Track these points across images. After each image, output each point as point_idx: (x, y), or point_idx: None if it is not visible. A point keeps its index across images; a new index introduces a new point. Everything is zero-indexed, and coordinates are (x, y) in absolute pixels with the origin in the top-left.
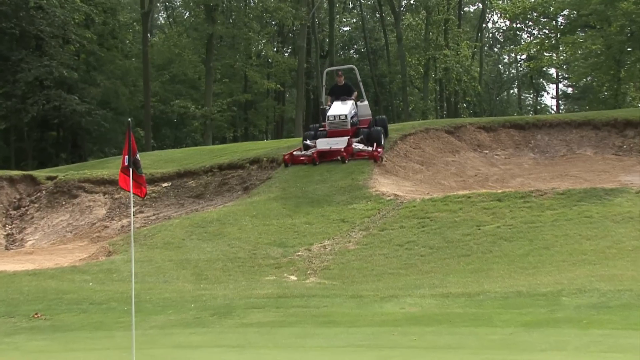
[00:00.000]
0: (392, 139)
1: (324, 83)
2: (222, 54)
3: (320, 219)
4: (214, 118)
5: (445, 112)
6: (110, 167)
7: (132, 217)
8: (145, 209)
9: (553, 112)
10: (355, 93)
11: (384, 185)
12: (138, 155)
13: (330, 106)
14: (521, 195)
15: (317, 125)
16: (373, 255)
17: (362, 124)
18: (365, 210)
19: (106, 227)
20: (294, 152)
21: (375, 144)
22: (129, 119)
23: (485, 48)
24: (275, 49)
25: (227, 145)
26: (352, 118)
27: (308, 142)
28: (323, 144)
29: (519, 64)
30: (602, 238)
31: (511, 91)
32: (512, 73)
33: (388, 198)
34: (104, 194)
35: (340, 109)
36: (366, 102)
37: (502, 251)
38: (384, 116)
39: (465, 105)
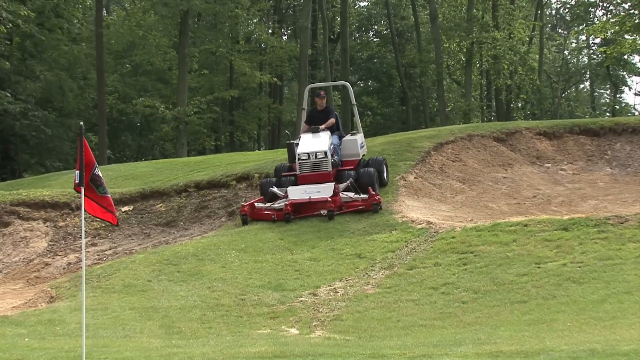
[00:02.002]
0: (424, 150)
1: (305, 105)
2: (201, 37)
3: (330, 254)
4: (189, 121)
5: (494, 114)
6: (53, 186)
7: (83, 251)
8: (99, 241)
9: (637, 113)
10: (331, 121)
11: (414, 209)
12: (98, 170)
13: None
14: (595, 222)
15: (286, 165)
16: (399, 301)
17: (347, 165)
18: (389, 242)
19: (47, 264)
20: (256, 204)
21: (370, 189)
22: (80, 123)
23: (547, 29)
24: (270, 31)
25: (207, 157)
26: (332, 156)
27: (275, 189)
28: (298, 192)
29: (591, 51)
30: None
31: (581, 86)
32: (583, 62)
33: (419, 226)
34: (45, 221)
35: (314, 143)
36: (357, 137)
37: (570, 296)
38: (382, 157)
39: (520, 104)
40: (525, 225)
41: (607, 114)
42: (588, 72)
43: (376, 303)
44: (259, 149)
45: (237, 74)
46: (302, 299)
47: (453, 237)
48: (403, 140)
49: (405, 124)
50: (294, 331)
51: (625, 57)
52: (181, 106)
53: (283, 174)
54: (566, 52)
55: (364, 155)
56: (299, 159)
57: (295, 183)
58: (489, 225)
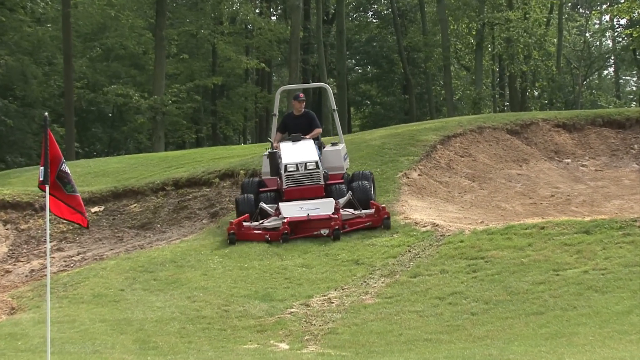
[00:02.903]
0: (429, 143)
1: (276, 110)
2: (180, 17)
3: (324, 260)
4: (167, 111)
5: (507, 104)
6: (14, 184)
7: (48, 256)
8: (65, 246)
9: None
10: (318, 130)
11: (417, 210)
12: (66, 166)
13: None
14: (620, 225)
15: (255, 180)
16: (401, 312)
17: (331, 180)
18: (390, 247)
19: (8, 271)
20: (244, 222)
21: (372, 202)
22: (45, 113)
23: (567, 9)
24: (257, 11)
25: (187, 152)
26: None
27: (265, 205)
28: (293, 209)
29: (616, 33)
30: None
31: (605, 72)
32: (607, 46)
33: (423, 229)
34: (5, 223)
35: (302, 153)
36: (340, 147)
37: (592, 307)
38: (368, 171)
39: (536, 93)
40: (542, 228)
41: (634, 103)
42: (612, 57)
43: (375, 315)
44: (245, 143)
45: (220, 59)
46: (292, 310)
47: (461, 241)
48: (405, 132)
49: (408, 114)
50: (283, 346)
51: None
52: (158, 95)
53: (261, 189)
54: (588, 35)
55: (347, 168)
56: (285, 171)
57: (277, 199)
58: (502, 227)
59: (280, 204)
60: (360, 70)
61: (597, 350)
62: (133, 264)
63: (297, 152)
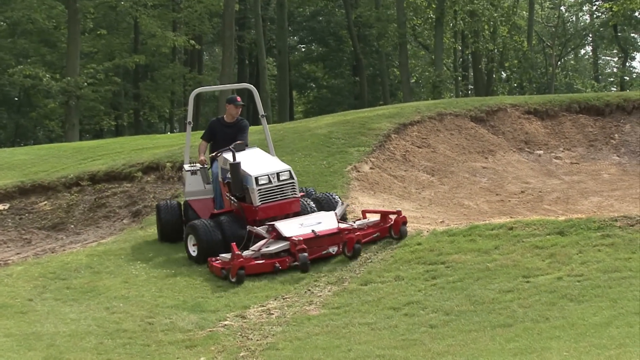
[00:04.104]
0: (382, 132)
1: (190, 117)
2: None
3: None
4: (82, 95)
5: (471, 87)
6: None
7: None
8: None
9: None
10: (241, 143)
11: (369, 208)
12: None
13: (219, 159)
14: (598, 225)
15: (173, 203)
16: (350, 325)
17: None
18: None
19: None
20: (241, 252)
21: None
22: None
23: None
24: None
25: (105, 142)
26: None
27: (258, 228)
28: (292, 227)
29: (594, 6)
30: None
31: (582, 52)
32: (584, 21)
33: None
34: None
35: (265, 162)
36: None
37: (567, 318)
38: (312, 188)
39: (504, 75)
40: (511, 229)
41: (614, 87)
42: (590, 34)
43: (321, 327)
44: (172, 132)
45: (143, 36)
46: (226, 322)
47: (419, 244)
48: (356, 120)
49: (359, 99)
50: None
51: (637, 14)
52: (71, 76)
53: (215, 212)
54: (563, 9)
55: None
56: (257, 183)
57: (237, 223)
58: (465, 228)
59: (276, 222)
60: (304, 49)
61: None
62: (43, 270)
63: (260, 162)
